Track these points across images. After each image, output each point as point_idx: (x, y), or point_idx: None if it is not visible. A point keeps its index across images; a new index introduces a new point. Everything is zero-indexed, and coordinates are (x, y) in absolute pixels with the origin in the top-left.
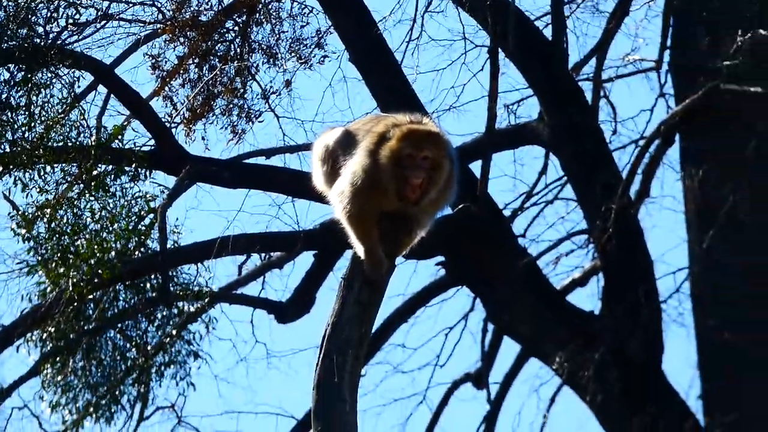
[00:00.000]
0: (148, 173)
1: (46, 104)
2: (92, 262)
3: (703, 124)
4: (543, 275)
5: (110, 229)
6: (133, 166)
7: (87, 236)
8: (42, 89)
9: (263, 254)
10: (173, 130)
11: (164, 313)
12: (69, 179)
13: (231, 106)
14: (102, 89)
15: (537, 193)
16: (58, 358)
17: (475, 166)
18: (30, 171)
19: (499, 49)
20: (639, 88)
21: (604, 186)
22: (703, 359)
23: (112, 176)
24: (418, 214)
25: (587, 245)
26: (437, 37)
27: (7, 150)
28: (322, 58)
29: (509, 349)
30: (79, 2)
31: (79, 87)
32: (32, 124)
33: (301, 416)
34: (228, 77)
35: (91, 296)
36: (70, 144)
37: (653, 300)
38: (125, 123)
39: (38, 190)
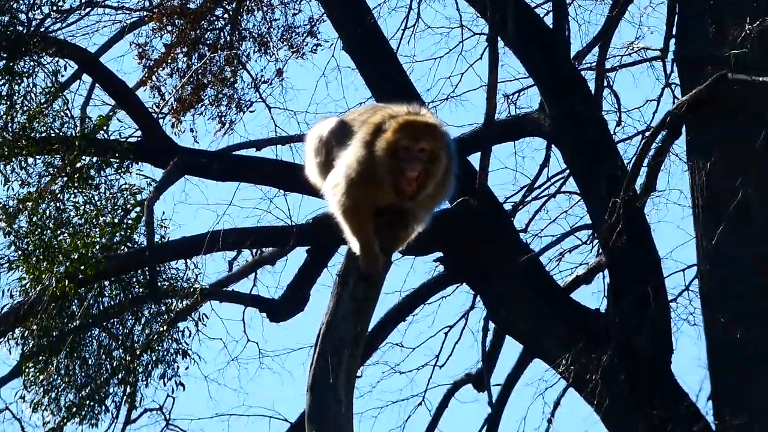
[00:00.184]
0: (134, 165)
1: (28, 94)
2: (76, 257)
3: (711, 115)
4: (545, 272)
5: (95, 223)
6: (119, 158)
7: (70, 231)
8: (24, 78)
9: (254, 250)
10: (161, 121)
11: (151, 311)
12: (52, 171)
13: (220, 96)
14: (86, 78)
15: (539, 187)
16: (40, 357)
17: (474, 159)
18: (11, 163)
19: (499, 38)
20: (644, 78)
21: (608, 179)
22: (712, 358)
23: (97, 168)
24: (415, 209)
25: (591, 241)
26: (434, 24)
27: None
28: (314, 47)
29: (511, 349)
30: None
31: (62, 76)
32: (14, 115)
33: (295, 419)
34: (217, 66)
35: (74, 293)
36: (53, 135)
37: (661, 297)
38: (110, 113)
39: (20, 182)
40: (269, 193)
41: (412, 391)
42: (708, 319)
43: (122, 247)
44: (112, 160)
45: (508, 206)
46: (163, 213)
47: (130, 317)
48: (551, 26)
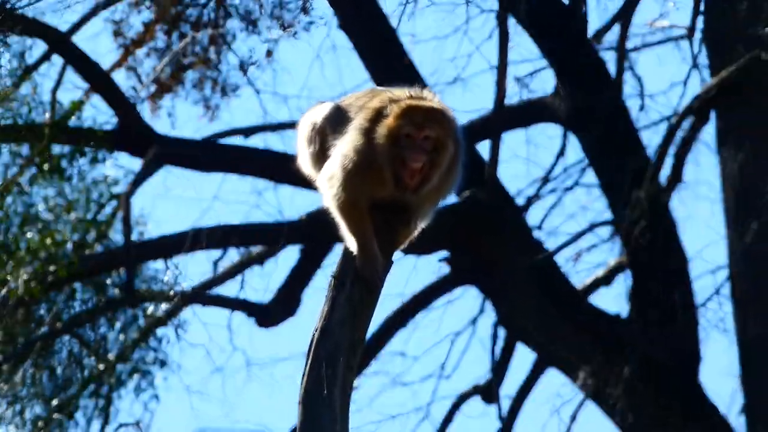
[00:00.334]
0: (109, 155)
1: None
2: (45, 256)
3: (742, 99)
4: (561, 273)
5: (66, 219)
6: (93, 147)
7: (39, 227)
8: None
9: (242, 248)
10: (138, 107)
11: (127, 316)
12: (19, 162)
13: (204, 78)
14: (57, 60)
15: (554, 179)
16: (4, 366)
17: (483, 148)
18: None
19: (509, 15)
20: (669, 59)
21: (630, 170)
22: (744, 368)
23: (69, 159)
24: (419, 203)
25: (612, 238)
26: (438, 0)
27: None
28: (308, 25)
29: (523, 358)
30: None
31: (30, 57)
32: None
33: None
34: (201, 46)
35: (43, 296)
36: (20, 122)
37: (689, 302)
38: (83, 98)
39: None
40: (258, 185)
41: (415, 404)
42: (740, 326)
43: (96, 246)
44: (85, 149)
45: (520, 200)
46: (142, 208)
47: (104, 323)
48: (567, 2)
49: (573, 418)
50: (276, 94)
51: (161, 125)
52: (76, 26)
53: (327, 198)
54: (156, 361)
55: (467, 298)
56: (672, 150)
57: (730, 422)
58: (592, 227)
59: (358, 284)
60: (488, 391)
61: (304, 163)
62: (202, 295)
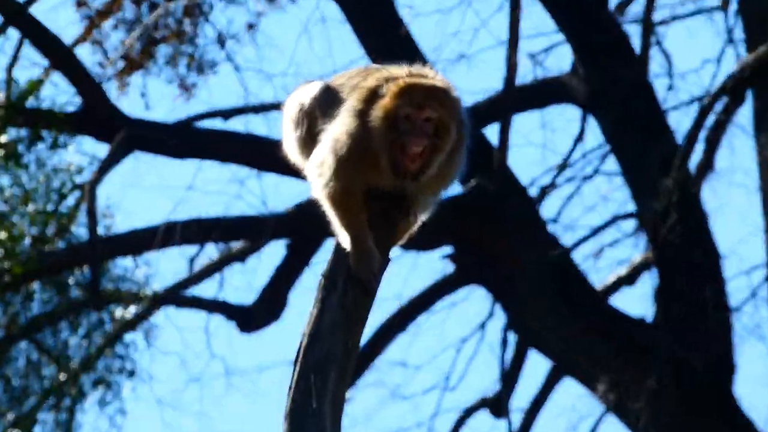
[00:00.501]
0: (72, 140)
1: None
2: (0, 252)
3: None
4: (579, 271)
5: (23, 211)
6: (54, 130)
7: None
8: None
9: (221, 244)
10: (104, 85)
11: (92, 320)
12: None
13: (178, 54)
14: (12, 33)
15: (572, 166)
16: None
17: (492, 132)
18: None
19: None
20: (701, 33)
21: (657, 157)
22: None
23: (27, 144)
24: (418, 192)
25: (637, 233)
26: None
27: None
28: None
29: (537, 366)
30: None
31: None
32: None
33: None
34: (174, 18)
35: None
36: None
37: (722, 304)
38: (42, 76)
39: None
40: (239, 173)
41: (416, 418)
42: None
43: (57, 241)
44: (44, 133)
45: (533, 190)
46: (108, 198)
47: (66, 327)
48: None
49: None
50: (259, 72)
51: (131, 106)
52: None
53: (316, 187)
54: (124, 370)
55: (474, 300)
56: (703, 134)
57: None
58: (613, 220)
59: (352, 284)
60: (497, 404)
61: (291, 149)
62: (176, 296)
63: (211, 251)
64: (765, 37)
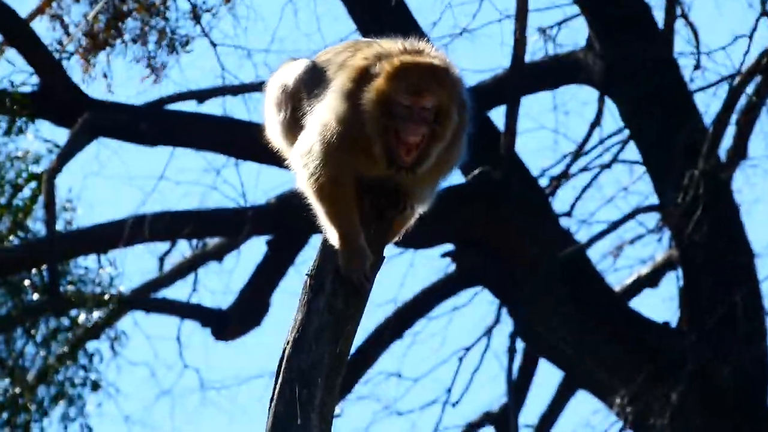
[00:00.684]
0: (28, 125)
1: None
2: None
3: None
4: (596, 271)
5: None
6: (8, 114)
7: None
8: None
9: (195, 240)
10: (65, 64)
11: (51, 326)
12: None
13: (147, 29)
14: None
15: (587, 153)
16: None
17: (498, 115)
18: None
19: None
20: (731, 5)
21: (683, 143)
22: None
23: None
24: (415, 183)
25: (659, 228)
26: None
27: None
28: None
29: (547, 377)
30: None
31: None
32: None
33: None
34: None
35: None
36: None
37: (755, 308)
38: None
39: None
40: (215, 162)
41: None
42: None
43: (11, 238)
44: None
45: (544, 180)
46: (69, 190)
47: (22, 334)
48: None
49: None
50: (238, 48)
51: (95, 88)
52: None
53: (302, 178)
54: (87, 382)
55: (478, 304)
56: (734, 117)
57: None
58: (634, 214)
59: (341, 285)
60: (504, 420)
61: (274, 134)
62: (144, 299)
63: (184, 249)
64: None
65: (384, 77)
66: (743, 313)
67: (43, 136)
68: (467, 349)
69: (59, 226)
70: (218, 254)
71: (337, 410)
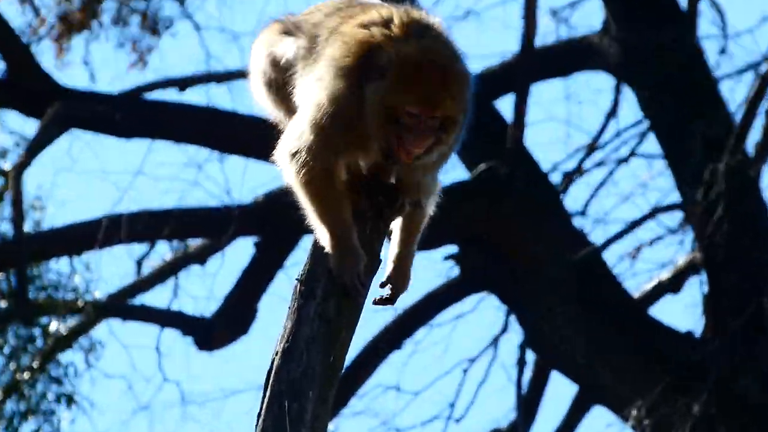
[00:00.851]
0: None
1: None
2: None
3: None
4: (612, 275)
5: None
6: None
7: None
8: None
9: (176, 242)
10: (35, 49)
11: (21, 335)
12: None
13: (126, 11)
14: None
15: (603, 147)
16: None
17: (506, 104)
18: None
19: None
20: None
21: (706, 135)
22: None
23: None
24: (407, 175)
25: (682, 228)
26: None
27: None
28: None
29: (560, 391)
30: None
31: None
32: None
33: None
34: None
35: None
36: None
37: None
38: None
39: None
40: (197, 156)
41: None
42: None
43: None
44: None
45: (556, 176)
46: (39, 186)
47: None
48: None
49: None
50: (223, 31)
51: (68, 75)
52: None
53: (290, 171)
54: (60, 397)
55: (484, 311)
56: (762, 108)
57: None
58: (653, 213)
59: (333, 290)
60: None
61: (267, 107)
62: (121, 305)
63: (164, 250)
64: None
65: (393, 79)
66: None
67: (9, 128)
68: (472, 360)
69: (28, 226)
70: (201, 257)
71: (330, 426)
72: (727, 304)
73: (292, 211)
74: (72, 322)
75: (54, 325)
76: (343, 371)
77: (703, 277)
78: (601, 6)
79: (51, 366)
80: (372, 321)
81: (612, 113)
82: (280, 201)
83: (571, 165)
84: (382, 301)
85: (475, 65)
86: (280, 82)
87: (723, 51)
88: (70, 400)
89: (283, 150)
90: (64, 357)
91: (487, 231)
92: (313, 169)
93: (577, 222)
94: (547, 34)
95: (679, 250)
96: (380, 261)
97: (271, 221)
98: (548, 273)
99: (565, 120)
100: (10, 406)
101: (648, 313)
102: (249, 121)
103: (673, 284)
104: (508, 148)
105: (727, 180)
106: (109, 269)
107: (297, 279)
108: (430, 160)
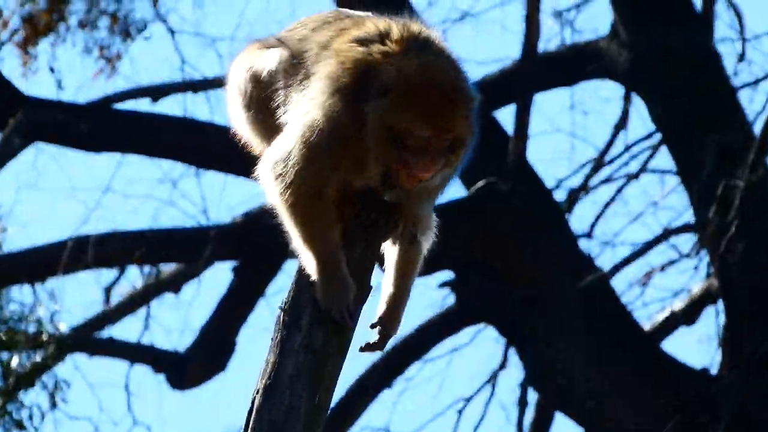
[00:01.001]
0: None
1: None
2: None
3: None
4: (621, 305)
5: None
6: None
7: None
8: None
9: (148, 267)
10: None
11: None
12: None
13: (95, 14)
14: None
15: (611, 162)
16: None
17: (507, 115)
18: None
19: None
20: None
21: (723, 149)
22: None
23: None
24: (408, 199)
25: (696, 252)
26: None
27: None
28: None
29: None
30: None
31: None
32: None
33: None
34: None
35: None
36: None
37: None
38: None
39: None
40: (172, 171)
41: None
42: None
43: None
44: None
45: (560, 194)
46: None
47: None
48: None
49: None
50: (199, 36)
51: (34, 83)
52: None
53: (274, 191)
54: None
55: (481, 344)
56: None
57: None
58: (666, 235)
59: (319, 321)
60: None
61: (243, 132)
62: (87, 339)
63: (135, 277)
64: None
65: (397, 99)
66: None
67: None
68: (468, 399)
69: None
70: (175, 284)
71: None
72: (746, 337)
73: (275, 232)
74: (33, 357)
75: (15, 361)
76: (329, 411)
77: (720, 306)
78: (608, 7)
79: (11, 405)
80: (360, 356)
81: (621, 125)
82: (261, 221)
83: (576, 181)
84: (369, 347)
85: (473, 72)
86: (261, 99)
87: (742, 57)
88: None
89: (266, 167)
90: (26, 397)
91: (485, 255)
92: (299, 189)
93: (583, 245)
94: (550, 38)
95: (694, 276)
96: (371, 289)
97: (251, 244)
98: (552, 302)
99: (570, 132)
100: None
101: (660, 347)
102: (228, 134)
103: (687, 315)
104: (509, 163)
105: (746, 198)
106: (73, 298)
107: (280, 308)
108: (432, 184)
